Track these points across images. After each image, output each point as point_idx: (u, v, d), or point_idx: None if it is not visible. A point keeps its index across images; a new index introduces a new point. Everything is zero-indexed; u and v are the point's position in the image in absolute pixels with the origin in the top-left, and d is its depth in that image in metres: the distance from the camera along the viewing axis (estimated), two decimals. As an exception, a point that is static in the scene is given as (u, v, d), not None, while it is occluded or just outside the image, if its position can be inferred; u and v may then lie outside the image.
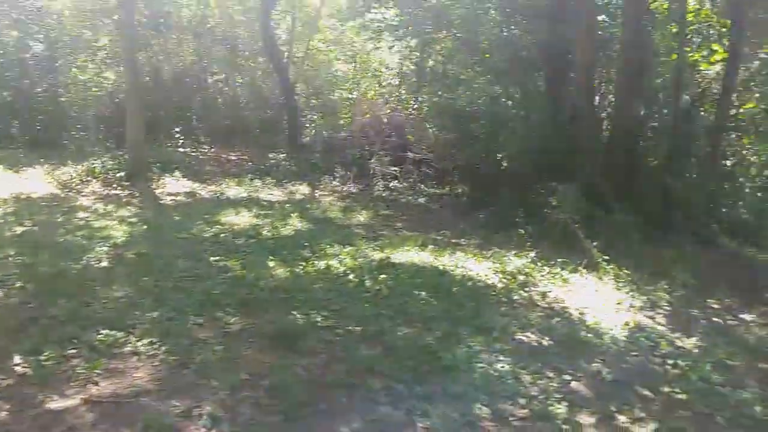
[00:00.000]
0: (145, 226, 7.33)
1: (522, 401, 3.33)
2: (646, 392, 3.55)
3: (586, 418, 3.22)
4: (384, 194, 10.33)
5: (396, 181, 10.96)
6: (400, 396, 3.32)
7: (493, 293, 5.14)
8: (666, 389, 3.59)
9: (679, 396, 3.51)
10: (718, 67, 7.46)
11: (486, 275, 5.62)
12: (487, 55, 8.93)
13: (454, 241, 7.13)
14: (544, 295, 5.18)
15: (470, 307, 4.73)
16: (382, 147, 11.73)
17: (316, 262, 5.81)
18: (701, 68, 7.62)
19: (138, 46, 13.89)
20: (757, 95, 7.42)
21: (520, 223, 6.87)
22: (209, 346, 3.76)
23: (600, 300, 5.14)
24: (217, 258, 5.71)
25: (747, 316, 4.95)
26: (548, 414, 3.22)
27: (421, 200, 9.82)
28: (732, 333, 4.55)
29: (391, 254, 6.22)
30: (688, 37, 7.90)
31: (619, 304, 5.06)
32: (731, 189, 7.60)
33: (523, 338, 4.26)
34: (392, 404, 3.23)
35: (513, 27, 8.82)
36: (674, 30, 7.67)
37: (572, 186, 6.54)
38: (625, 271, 5.73)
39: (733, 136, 7.56)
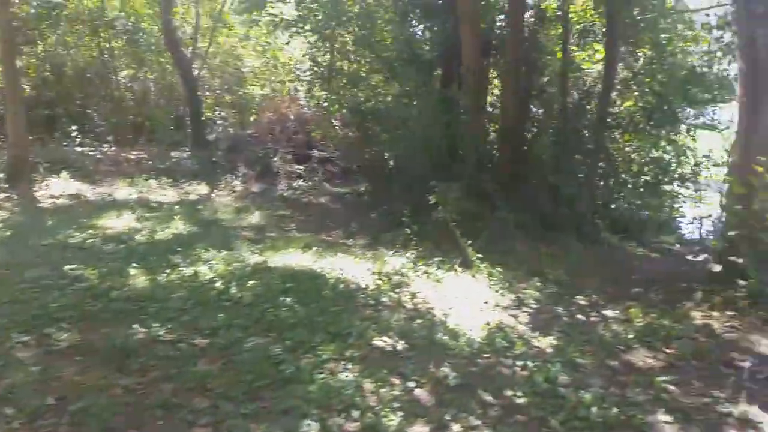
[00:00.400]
0: (9, 232, 6.80)
1: (356, 414, 3.18)
2: (488, 397, 3.48)
3: (418, 429, 3.11)
4: (286, 194, 10.06)
5: (301, 180, 10.73)
6: (225, 415, 3.10)
7: (362, 296, 5.00)
8: (509, 393, 3.53)
9: (520, 400, 3.45)
10: (600, 66, 7.65)
11: (362, 277, 5.49)
12: (386, 54, 8.80)
13: (342, 241, 6.98)
14: (413, 296, 5.08)
15: (332, 313, 4.57)
16: (288, 145, 11.47)
17: (184, 269, 5.51)
18: (584, 67, 7.78)
19: (26, 39, 13.02)
20: (636, 93, 7.63)
21: (406, 223, 6.78)
22: (24, 367, 3.42)
23: (469, 300, 5.09)
24: (74, 266, 5.31)
25: (610, 312, 5.01)
26: (380, 426, 3.08)
27: (323, 200, 9.62)
28: (590, 330, 4.58)
29: (271, 258, 6.00)
30: (575, 36, 8.06)
31: (486, 303, 5.03)
32: (615, 186, 7.80)
33: (380, 343, 4.13)
34: (213, 425, 3.02)
35: (410, 24, 8.72)
36: (559, 29, 7.79)
37: (453, 184, 6.51)
38: (498, 269, 5.72)
39: (616, 134, 7.74)
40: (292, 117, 12.10)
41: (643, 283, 5.77)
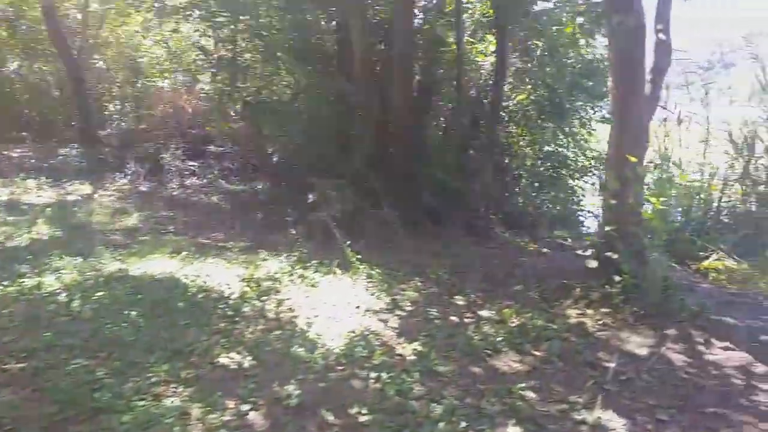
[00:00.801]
0: None
1: (171, 447, 2.79)
2: (330, 417, 3.16)
3: (240, 460, 2.75)
4: (176, 193, 9.43)
5: (195, 178, 10.11)
6: (7, 459, 2.63)
7: (222, 306, 4.58)
8: (354, 410, 3.22)
9: (364, 418, 3.16)
10: (493, 59, 7.51)
11: (228, 284, 5.06)
12: (277, 44, 8.33)
13: (221, 244, 6.50)
14: (280, 303, 4.71)
15: (180, 327, 4.13)
16: (182, 140, 10.81)
17: (27, 280, 4.91)
18: (479, 60, 7.63)
19: None
20: (529, 86, 7.55)
21: (290, 223, 6.40)
22: None
23: (341, 305, 4.77)
24: None
25: (486, 312, 4.82)
26: (194, 460, 2.70)
27: (215, 198, 9.06)
28: (461, 333, 4.36)
29: (133, 265, 5.46)
30: (471, 27, 7.90)
31: (358, 308, 4.72)
32: (510, 180, 7.70)
33: (225, 360, 3.74)
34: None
35: (303, 12, 8.28)
36: (453, 20, 7.59)
37: (335, 182, 6.19)
38: (378, 270, 5.44)
39: (512, 127, 7.64)
40: (190, 110, 11.44)
41: (526, 280, 5.63)
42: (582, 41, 7.66)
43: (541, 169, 7.72)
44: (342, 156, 6.68)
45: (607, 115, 9.43)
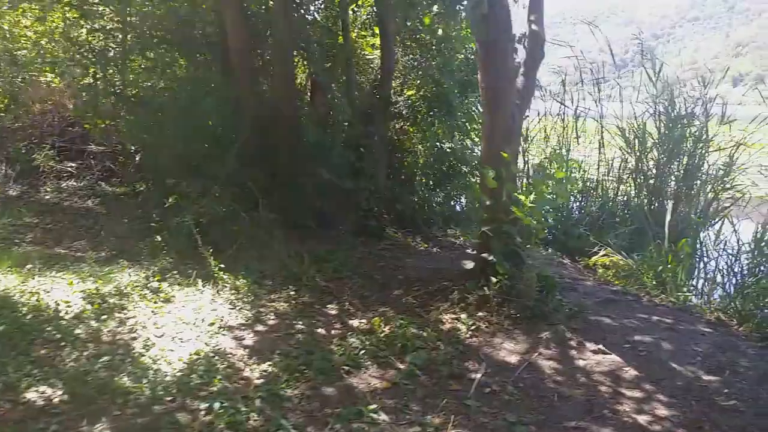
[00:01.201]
0: None
1: None
2: (138, 462, 2.70)
3: None
4: (48, 196, 8.56)
5: (73, 180, 9.25)
6: None
7: (51, 329, 3.99)
8: (169, 452, 2.78)
9: (180, 460, 2.72)
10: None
11: (69, 302, 4.46)
12: (151, 34, 7.66)
13: (80, 254, 5.83)
14: (122, 323, 4.17)
15: (-13, 357, 3.53)
16: (60, 139, 9.89)
17: None
18: (367, 53, 7.30)
19: None
20: (418, 81, 7.28)
21: (155, 229, 5.82)
22: None
23: (194, 321, 4.28)
24: None
25: (356, 322, 4.47)
26: None
27: (90, 202, 8.27)
28: (322, 348, 3.98)
29: (-38, 282, 4.75)
30: (359, 19, 7.55)
31: (212, 325, 4.25)
32: (404, 178, 7.41)
33: (33, 396, 3.19)
34: None
35: (181, 0, 7.67)
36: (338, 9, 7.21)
37: (203, 182, 5.68)
38: (245, 281, 4.98)
39: (404, 124, 7.34)
40: (71, 106, 10.49)
41: (407, 283, 5.34)
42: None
43: (436, 166, 7.46)
44: (219, 154, 6.15)
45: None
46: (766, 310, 4.90)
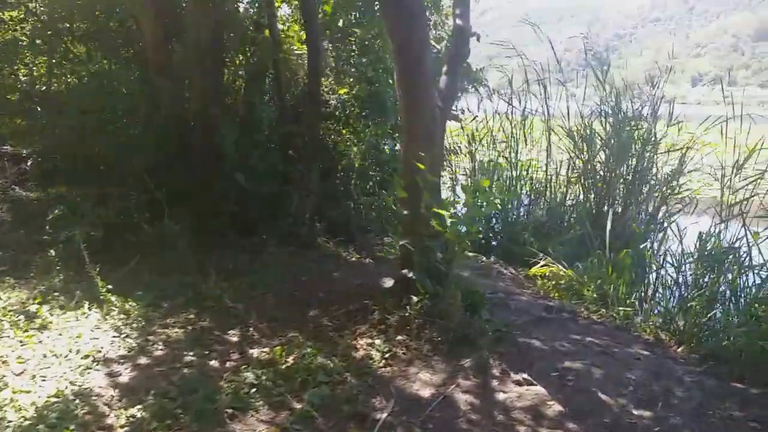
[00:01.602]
0: None
1: None
2: None
3: None
4: (-48, 203, 7.81)
5: (-14, 185, 8.50)
6: None
7: None
8: None
9: None
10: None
11: None
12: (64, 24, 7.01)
13: (-38, 270, 5.20)
14: (-21, 358, 3.60)
15: None
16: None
17: None
18: (296, 48, 6.78)
19: None
20: (351, 79, 6.80)
21: (48, 242, 5.22)
22: None
23: (66, 353, 3.73)
24: None
25: (257, 351, 3.97)
26: None
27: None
28: (207, 385, 3.47)
29: None
30: (287, 12, 7.03)
31: (86, 357, 3.71)
32: (338, 183, 6.93)
33: None
34: None
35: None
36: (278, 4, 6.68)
37: (101, 190, 5.11)
38: (134, 303, 4.43)
39: (337, 125, 6.85)
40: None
41: (327, 301, 4.86)
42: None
43: (373, 170, 7.00)
44: (126, 158, 5.58)
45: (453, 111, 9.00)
46: (706, 330, 4.58)
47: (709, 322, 4.73)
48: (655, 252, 6.12)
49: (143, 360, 3.76)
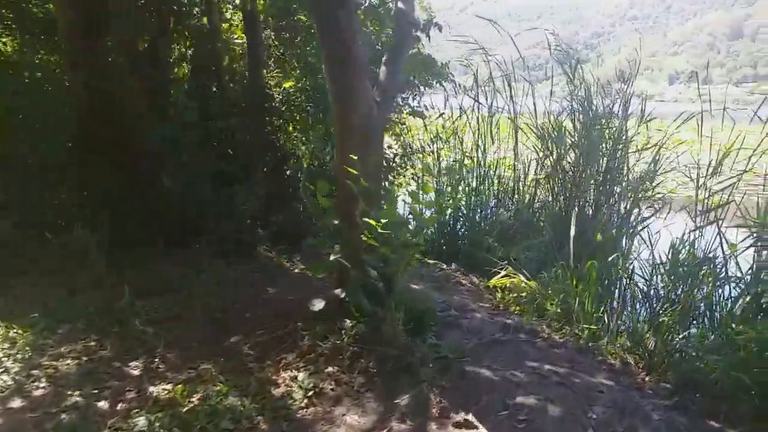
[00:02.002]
0: None
1: None
2: None
3: None
4: None
5: None
6: None
7: None
8: None
9: None
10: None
11: None
12: None
13: None
14: None
15: None
16: None
17: None
18: (236, 36, 6.17)
19: None
20: (298, 71, 6.21)
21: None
22: None
23: None
24: None
25: (158, 389, 3.38)
26: None
27: None
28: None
29: None
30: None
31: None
32: (285, 185, 6.34)
33: None
34: None
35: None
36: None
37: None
38: (21, 330, 3.81)
39: (281, 121, 6.25)
40: None
41: (254, 324, 4.28)
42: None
43: (324, 170, 6.41)
44: (35, 156, 4.93)
45: (418, 108, 8.45)
46: (678, 353, 4.10)
47: (682, 341, 4.25)
48: (626, 260, 5.63)
49: (16, 402, 3.16)
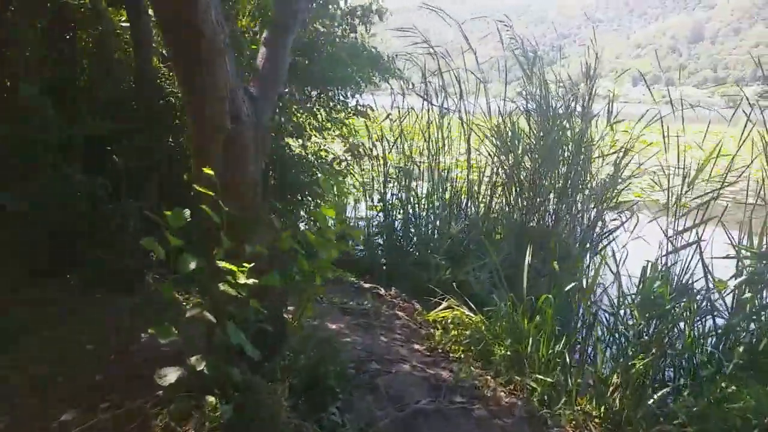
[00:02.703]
0: None
1: None
2: None
3: None
4: None
5: None
6: None
7: None
8: None
9: None
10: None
11: None
12: None
13: None
14: None
15: None
16: None
17: None
18: (124, 19, 5.10)
19: None
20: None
21: None
22: None
23: None
24: None
25: None
26: None
27: None
28: None
29: None
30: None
31: None
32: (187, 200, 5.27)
33: None
34: None
35: None
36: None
37: None
38: None
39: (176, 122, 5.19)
40: None
41: (103, 391, 3.22)
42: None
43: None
44: None
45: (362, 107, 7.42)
46: (653, 415, 3.20)
47: (658, 402, 3.36)
48: (590, 290, 4.71)
49: None
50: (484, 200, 7.18)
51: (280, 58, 2.83)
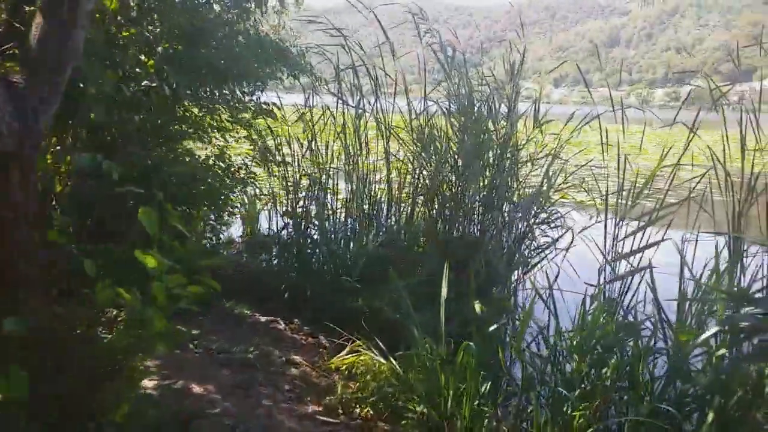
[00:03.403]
0: None
1: None
2: None
3: None
4: None
5: None
6: None
7: None
8: None
9: None
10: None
11: None
12: None
13: None
14: None
15: None
16: None
17: None
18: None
19: None
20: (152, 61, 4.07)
21: None
22: None
23: None
24: None
25: None
26: None
27: None
28: None
29: None
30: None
31: None
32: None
33: None
34: None
35: None
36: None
37: None
38: None
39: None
40: None
41: None
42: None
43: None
44: None
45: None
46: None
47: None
48: (521, 334, 3.95)
49: None
50: (405, 210, 6.41)
51: (59, 35, 1.87)
